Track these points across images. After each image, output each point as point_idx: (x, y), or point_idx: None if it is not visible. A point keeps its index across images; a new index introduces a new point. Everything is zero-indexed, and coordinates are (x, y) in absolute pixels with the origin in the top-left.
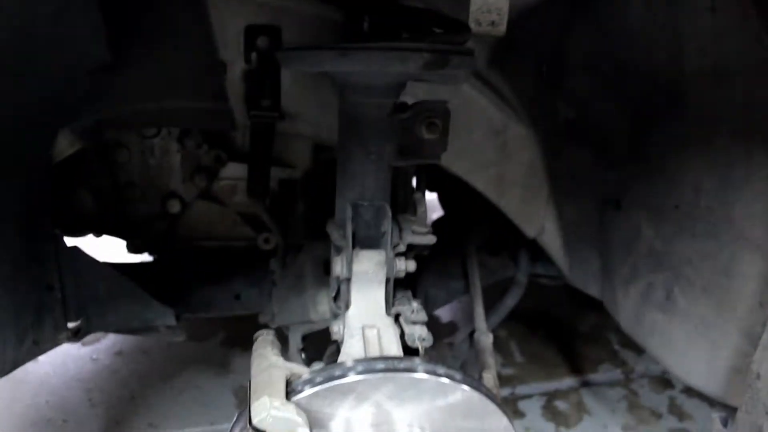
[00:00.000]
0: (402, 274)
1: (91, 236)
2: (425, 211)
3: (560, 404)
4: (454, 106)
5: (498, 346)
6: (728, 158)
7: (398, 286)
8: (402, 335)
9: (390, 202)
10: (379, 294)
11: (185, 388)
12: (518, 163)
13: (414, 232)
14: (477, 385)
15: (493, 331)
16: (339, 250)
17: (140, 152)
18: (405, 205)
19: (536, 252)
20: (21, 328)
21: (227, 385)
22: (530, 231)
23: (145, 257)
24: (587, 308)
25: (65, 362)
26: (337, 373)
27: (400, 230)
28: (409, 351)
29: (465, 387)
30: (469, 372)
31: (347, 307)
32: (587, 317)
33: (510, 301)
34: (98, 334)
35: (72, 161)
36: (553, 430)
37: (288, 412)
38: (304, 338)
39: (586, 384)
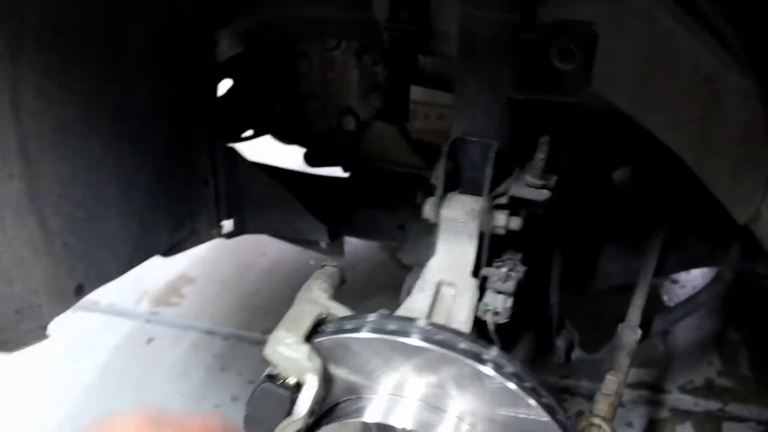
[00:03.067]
0: (501, 231)
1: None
2: (543, 160)
3: None
4: (642, 40)
5: (724, 349)
6: None
7: (508, 247)
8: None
9: (507, 142)
10: (469, 249)
11: None
12: (731, 123)
13: (525, 184)
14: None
15: (722, 332)
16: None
17: (321, 64)
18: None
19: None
20: (178, 215)
21: None
22: (740, 215)
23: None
24: None
25: None
26: (349, 326)
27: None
28: (479, 323)
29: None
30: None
31: (429, 256)
32: None
33: (702, 298)
34: None
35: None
36: None
37: (298, 352)
38: None
39: None
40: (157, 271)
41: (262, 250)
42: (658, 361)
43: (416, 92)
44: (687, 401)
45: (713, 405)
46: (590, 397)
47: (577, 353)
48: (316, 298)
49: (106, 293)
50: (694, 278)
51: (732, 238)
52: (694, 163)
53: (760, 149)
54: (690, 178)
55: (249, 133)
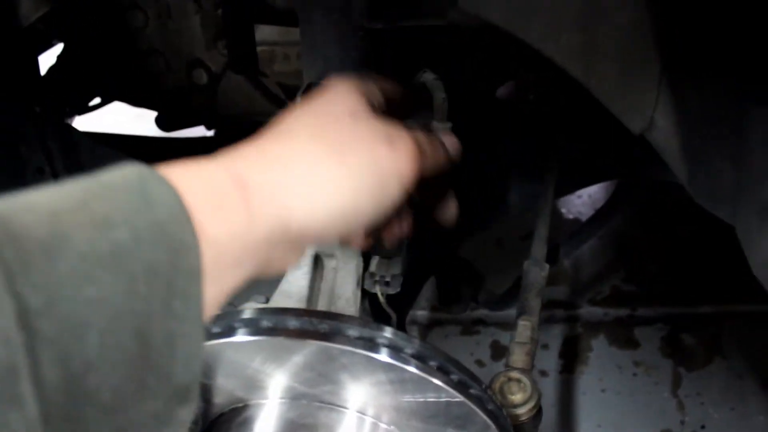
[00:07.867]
0: None
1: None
2: (445, 100)
3: (687, 338)
4: None
5: (625, 253)
6: None
7: None
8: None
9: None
10: None
11: None
12: (614, 26)
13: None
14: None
15: (624, 236)
16: None
17: (157, 15)
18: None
19: None
20: None
21: None
22: (634, 124)
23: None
24: None
25: None
26: (217, 329)
27: None
28: (370, 294)
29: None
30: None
31: None
32: None
33: (605, 215)
34: None
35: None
36: (669, 369)
37: None
38: None
39: (731, 316)
40: None
41: None
42: (565, 277)
43: (271, 32)
44: (597, 313)
45: (623, 312)
46: (503, 325)
47: (484, 295)
48: None
49: None
50: None
51: (628, 149)
52: (579, 73)
53: (649, 50)
54: (577, 89)
55: (98, 100)
